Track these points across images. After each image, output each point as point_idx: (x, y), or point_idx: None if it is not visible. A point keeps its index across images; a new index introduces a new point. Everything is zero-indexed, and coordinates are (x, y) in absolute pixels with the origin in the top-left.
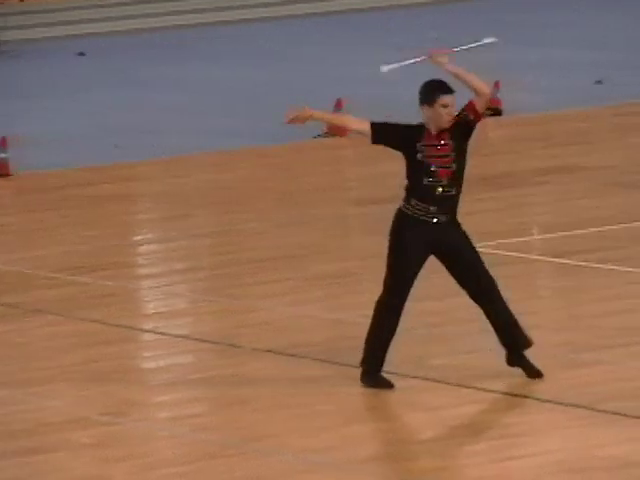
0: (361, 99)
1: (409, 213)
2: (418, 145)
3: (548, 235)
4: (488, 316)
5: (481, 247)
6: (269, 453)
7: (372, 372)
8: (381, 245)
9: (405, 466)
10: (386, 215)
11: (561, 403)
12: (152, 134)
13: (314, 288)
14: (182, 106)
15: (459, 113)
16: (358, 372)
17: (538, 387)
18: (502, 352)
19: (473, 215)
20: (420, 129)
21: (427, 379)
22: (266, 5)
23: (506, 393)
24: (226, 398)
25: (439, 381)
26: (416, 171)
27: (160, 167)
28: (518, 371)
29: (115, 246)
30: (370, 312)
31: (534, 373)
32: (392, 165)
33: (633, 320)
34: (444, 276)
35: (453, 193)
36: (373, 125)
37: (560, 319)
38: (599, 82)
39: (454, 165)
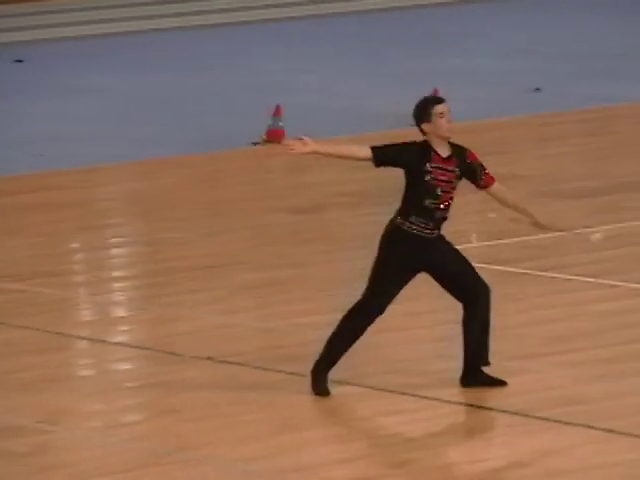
0: (297, 106)
1: (405, 228)
2: (428, 165)
3: (475, 244)
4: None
5: None
6: (202, 462)
7: (321, 373)
8: (309, 254)
9: (331, 476)
10: (314, 224)
11: (492, 409)
12: (75, 143)
13: (244, 297)
14: (105, 115)
15: (480, 166)
16: (290, 380)
17: (470, 395)
18: (433, 360)
19: None
20: (426, 149)
21: (362, 386)
22: (197, 13)
23: (436, 399)
24: (160, 406)
25: (374, 388)
26: (420, 191)
27: (81, 176)
28: (450, 378)
29: (45, 255)
30: (300, 321)
31: (498, 383)
32: (320, 174)
33: (561, 329)
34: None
35: (446, 216)
36: (374, 149)
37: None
38: (537, 90)
39: (453, 192)
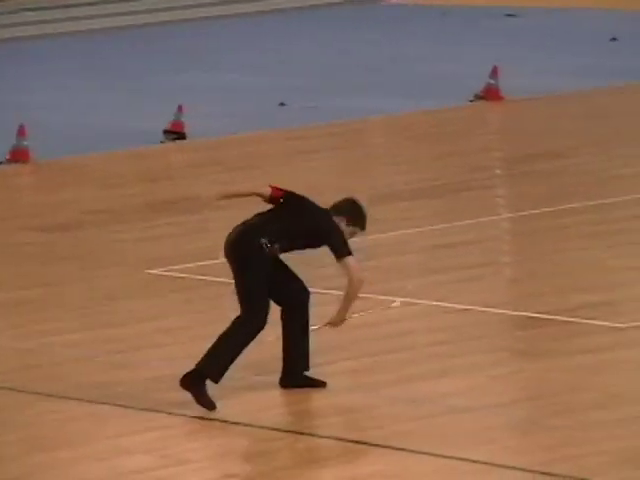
0: (42, 125)
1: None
2: None
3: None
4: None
5: (159, 271)
6: None
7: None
8: (62, 272)
9: None
10: (65, 242)
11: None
12: None
13: None
14: None
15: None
16: (44, 400)
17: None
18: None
19: (148, 241)
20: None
21: (115, 405)
22: None
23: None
24: None
25: (126, 407)
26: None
27: None
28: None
29: None
30: (53, 339)
31: (320, 383)
32: (72, 192)
33: (311, 342)
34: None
35: None
36: (350, 252)
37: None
38: (282, 104)
39: None
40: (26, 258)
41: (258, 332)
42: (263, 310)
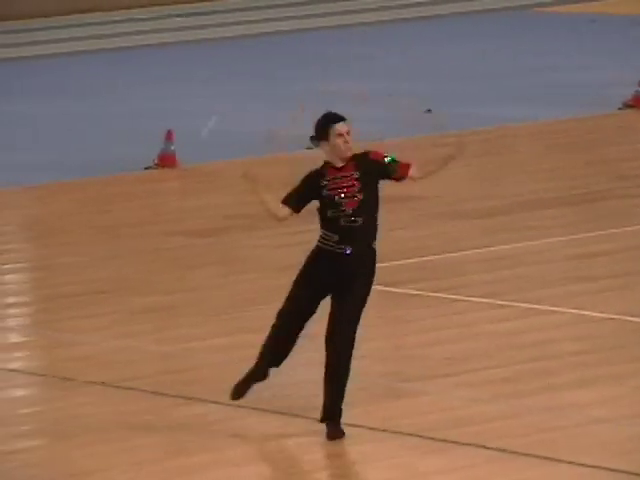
0: (189, 131)
1: (320, 245)
2: (322, 182)
3: None
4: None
5: None
6: None
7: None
8: (204, 277)
9: None
10: (209, 247)
11: (388, 431)
12: None
13: (138, 321)
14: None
15: (386, 162)
16: (186, 404)
17: (366, 416)
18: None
19: (288, 247)
20: (322, 169)
21: (256, 409)
22: (78, 39)
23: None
24: (55, 432)
25: (267, 411)
26: (323, 205)
27: None
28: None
29: None
30: (194, 344)
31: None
32: (216, 197)
33: (457, 350)
34: None
35: (359, 223)
36: (285, 201)
37: (385, 349)
38: (429, 111)
39: (360, 195)
40: (170, 263)
41: None
42: None
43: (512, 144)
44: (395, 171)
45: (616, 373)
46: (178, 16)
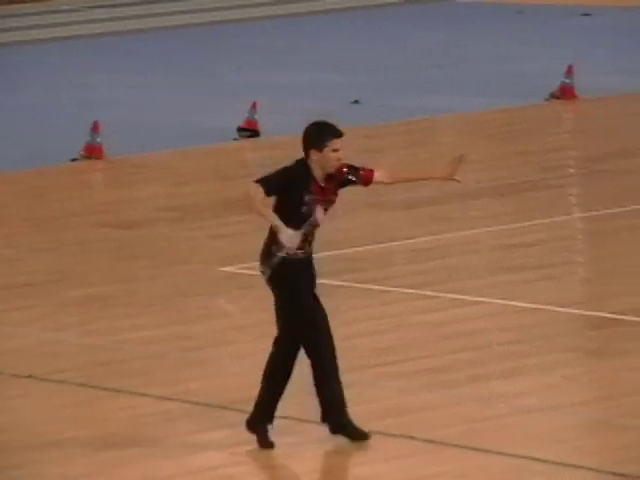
0: (116, 122)
1: (283, 258)
2: (305, 196)
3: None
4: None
5: (232, 269)
6: None
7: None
8: (135, 269)
9: None
10: (139, 239)
11: (314, 422)
12: None
13: (68, 313)
14: None
15: (350, 171)
16: (115, 397)
17: (295, 408)
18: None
19: (221, 239)
20: (307, 181)
21: (185, 402)
22: (5, 31)
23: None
24: None
25: (197, 404)
26: (295, 219)
27: None
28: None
29: None
30: (125, 336)
31: None
32: (146, 189)
33: (385, 341)
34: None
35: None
36: (260, 182)
37: None
38: (356, 102)
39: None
40: (98, 254)
41: None
42: None
43: (439, 135)
44: (359, 179)
45: (544, 363)
46: (114, 7)
